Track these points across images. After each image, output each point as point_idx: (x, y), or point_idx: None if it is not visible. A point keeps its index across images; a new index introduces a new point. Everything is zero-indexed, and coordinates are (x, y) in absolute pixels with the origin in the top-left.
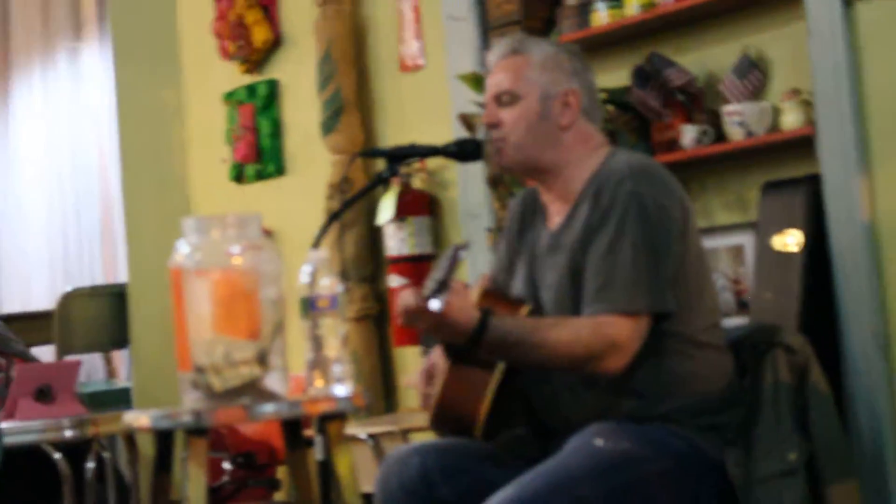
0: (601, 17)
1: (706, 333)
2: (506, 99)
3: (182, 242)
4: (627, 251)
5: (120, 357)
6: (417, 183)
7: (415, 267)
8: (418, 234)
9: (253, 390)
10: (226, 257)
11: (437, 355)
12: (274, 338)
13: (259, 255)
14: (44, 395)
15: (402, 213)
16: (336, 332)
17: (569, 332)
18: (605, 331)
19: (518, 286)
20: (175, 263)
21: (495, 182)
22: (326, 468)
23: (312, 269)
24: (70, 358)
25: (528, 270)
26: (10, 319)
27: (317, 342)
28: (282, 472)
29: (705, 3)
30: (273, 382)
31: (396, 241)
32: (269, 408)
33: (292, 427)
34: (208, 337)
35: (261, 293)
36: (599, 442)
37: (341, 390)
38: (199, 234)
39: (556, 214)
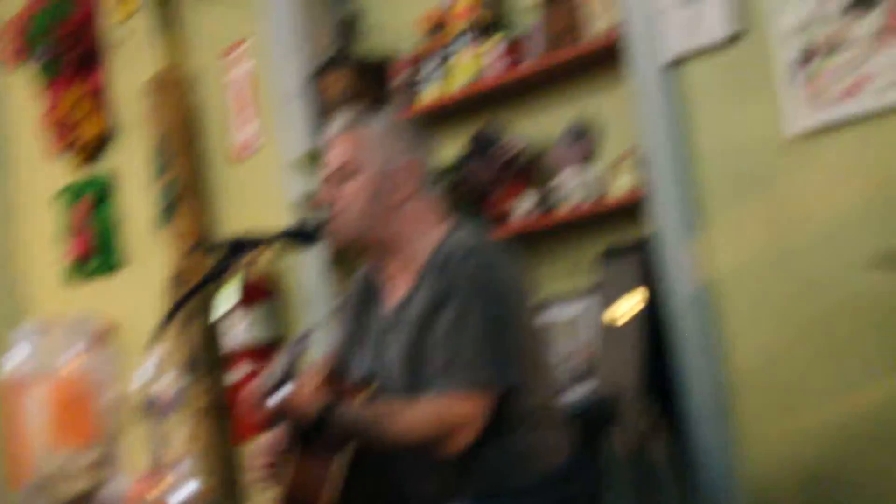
0: (432, 92)
1: (545, 407)
2: (345, 173)
3: (16, 350)
4: (471, 328)
5: None
6: (258, 269)
7: (259, 355)
8: (261, 322)
9: (94, 501)
10: (62, 363)
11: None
12: (114, 442)
13: (97, 358)
14: None
15: (243, 302)
16: (179, 430)
17: (415, 414)
18: (451, 409)
19: (361, 365)
20: (8, 374)
21: (337, 261)
22: None
23: (152, 367)
24: None
25: (371, 348)
26: None
27: (160, 442)
28: None
29: (533, 74)
30: (115, 488)
31: (240, 330)
32: None
33: None
34: (45, 448)
35: (99, 396)
36: None
37: (186, 490)
38: (34, 341)
39: (397, 290)
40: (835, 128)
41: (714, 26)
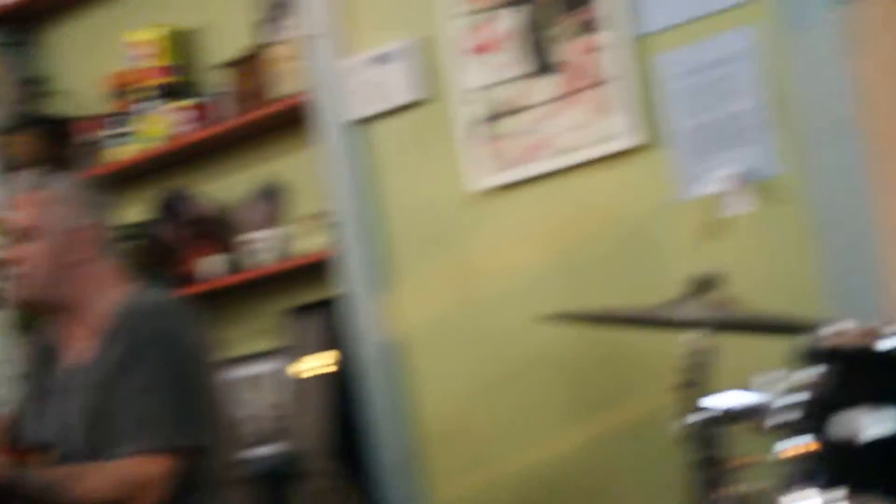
0: (119, 153)
1: (231, 467)
2: (25, 234)
3: None
4: (155, 390)
5: None
6: None
7: None
8: None
9: None
10: None
11: None
12: None
13: None
14: None
15: None
16: None
17: (98, 477)
18: (135, 472)
19: (42, 428)
20: None
21: (21, 325)
22: None
23: None
24: None
25: (51, 410)
26: None
27: None
28: None
29: (222, 135)
30: None
31: None
32: None
33: None
34: None
35: None
36: None
37: None
38: None
39: (78, 351)
40: (516, 186)
41: (400, 88)
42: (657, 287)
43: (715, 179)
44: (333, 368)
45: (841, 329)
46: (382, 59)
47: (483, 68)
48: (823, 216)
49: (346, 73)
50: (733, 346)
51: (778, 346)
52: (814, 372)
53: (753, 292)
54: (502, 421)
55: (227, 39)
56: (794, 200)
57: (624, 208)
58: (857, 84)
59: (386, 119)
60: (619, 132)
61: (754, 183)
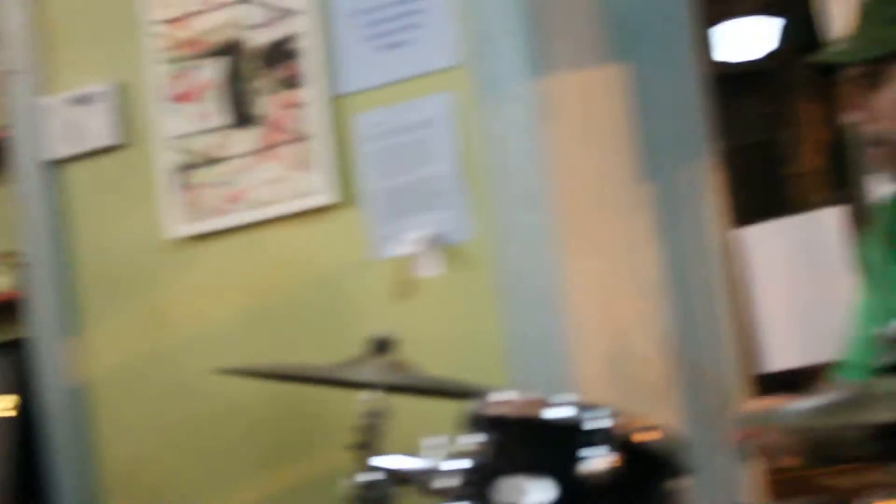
0: None
1: None
2: None
3: None
4: None
5: None
6: None
7: None
8: None
9: None
10: None
11: None
12: None
13: None
14: None
15: None
16: None
17: None
18: None
19: None
20: None
21: None
22: None
23: None
24: None
25: None
26: None
27: None
28: None
29: None
30: None
31: None
32: None
33: None
34: None
35: None
36: None
37: None
38: None
39: None
40: (211, 237)
41: (98, 131)
42: (346, 344)
43: (406, 241)
44: (16, 412)
45: (507, 397)
46: (82, 100)
47: (183, 116)
48: (510, 282)
49: (45, 111)
50: (410, 409)
51: (453, 410)
52: (477, 438)
53: (438, 355)
54: (187, 471)
55: None
56: (481, 266)
57: (317, 265)
58: (548, 153)
59: (83, 161)
60: (314, 189)
61: (444, 246)
